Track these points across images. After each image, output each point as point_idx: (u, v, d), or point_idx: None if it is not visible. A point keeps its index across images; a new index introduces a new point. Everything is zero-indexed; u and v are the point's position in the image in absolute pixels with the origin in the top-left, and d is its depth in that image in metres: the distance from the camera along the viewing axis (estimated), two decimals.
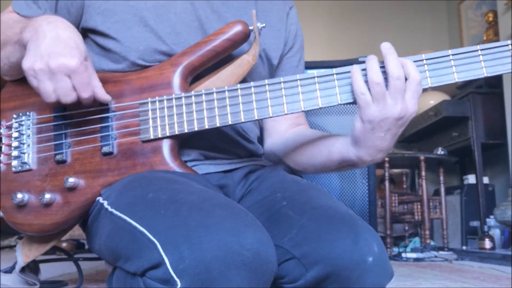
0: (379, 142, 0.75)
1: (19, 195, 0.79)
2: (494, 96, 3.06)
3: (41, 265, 1.02)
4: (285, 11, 1.01)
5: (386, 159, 2.91)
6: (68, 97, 0.73)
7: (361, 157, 0.78)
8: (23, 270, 0.93)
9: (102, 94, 0.77)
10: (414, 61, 0.74)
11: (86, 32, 0.88)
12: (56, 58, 0.71)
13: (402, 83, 0.71)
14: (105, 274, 1.69)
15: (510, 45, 0.73)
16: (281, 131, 0.99)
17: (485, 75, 0.73)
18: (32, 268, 0.97)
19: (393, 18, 4.35)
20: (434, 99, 3.31)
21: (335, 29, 4.32)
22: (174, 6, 0.87)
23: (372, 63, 0.73)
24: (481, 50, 0.73)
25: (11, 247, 2.64)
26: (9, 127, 0.85)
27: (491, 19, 3.45)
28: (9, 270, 0.97)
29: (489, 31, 3.46)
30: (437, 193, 3.27)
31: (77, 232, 2.76)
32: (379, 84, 0.71)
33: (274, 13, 0.98)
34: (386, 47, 0.73)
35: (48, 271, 1.59)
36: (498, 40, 3.18)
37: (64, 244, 2.82)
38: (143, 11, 0.85)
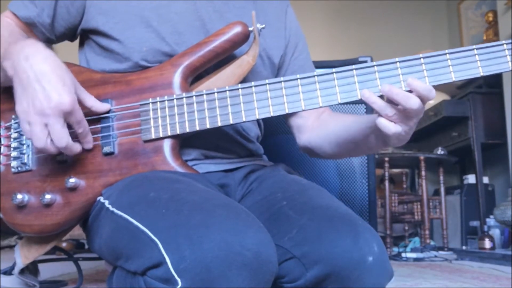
0: (406, 135, 0.76)
1: (19, 196, 0.79)
2: (494, 96, 3.06)
3: (41, 265, 1.02)
4: (283, 9, 1.02)
5: (386, 159, 2.92)
6: (62, 141, 0.73)
7: (394, 144, 0.79)
8: (22, 271, 0.92)
9: (99, 108, 0.79)
10: (412, 60, 0.74)
11: (87, 33, 0.88)
12: (49, 102, 0.70)
13: (422, 106, 0.72)
14: (105, 274, 1.69)
15: (504, 45, 0.74)
16: (309, 126, 0.99)
17: (481, 74, 0.74)
18: (31, 269, 0.96)
19: (393, 18, 4.35)
20: (434, 99, 3.31)
21: (335, 29, 4.32)
22: (176, 6, 0.87)
23: (379, 105, 0.72)
24: (476, 49, 0.74)
25: (11, 247, 2.63)
26: (8, 128, 0.85)
27: (491, 19, 3.45)
28: (9, 271, 0.97)
29: (489, 31, 3.46)
30: (437, 193, 3.27)
31: (77, 232, 2.75)
32: (395, 113, 0.72)
33: (272, 12, 0.99)
34: (385, 90, 0.72)
35: (48, 271, 1.59)
36: (498, 40, 3.19)
37: (64, 244, 2.82)
38: (145, 11, 0.85)
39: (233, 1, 0.93)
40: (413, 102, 0.70)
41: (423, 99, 0.71)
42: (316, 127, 0.98)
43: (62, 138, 0.73)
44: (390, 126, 0.73)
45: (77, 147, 0.77)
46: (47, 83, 0.71)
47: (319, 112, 1.00)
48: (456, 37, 4.19)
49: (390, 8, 4.35)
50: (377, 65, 0.75)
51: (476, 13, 3.90)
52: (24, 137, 0.83)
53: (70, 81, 0.74)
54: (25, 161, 0.82)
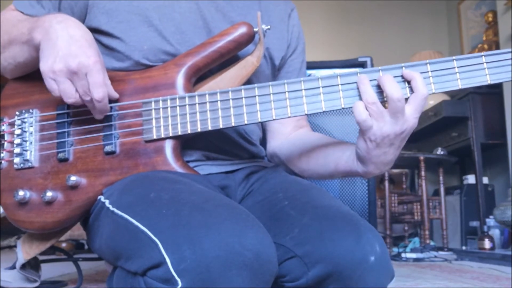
0: (384, 157, 0.76)
1: (21, 192, 0.80)
2: (493, 96, 3.06)
3: (41, 266, 1.02)
4: (287, 12, 1.01)
5: None
6: (87, 96, 0.74)
7: (368, 171, 0.79)
8: (23, 267, 0.93)
9: (112, 92, 0.79)
10: (418, 66, 0.74)
11: (91, 32, 0.88)
12: (75, 58, 0.72)
13: (403, 104, 0.71)
14: (105, 274, 1.69)
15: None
16: (285, 134, 0.99)
17: (489, 82, 0.72)
18: (32, 264, 0.97)
19: (393, 18, 4.35)
20: (433, 99, 3.31)
21: (335, 29, 4.33)
22: (179, 5, 0.86)
23: (365, 87, 0.72)
24: (485, 56, 0.73)
25: (11, 247, 2.63)
26: (12, 124, 0.85)
27: (490, 19, 3.45)
28: (11, 267, 0.98)
29: (488, 31, 3.46)
30: (436, 193, 3.27)
31: (76, 232, 2.76)
32: (375, 103, 0.71)
33: (276, 14, 0.99)
34: (380, 75, 0.73)
35: (48, 271, 1.59)
36: (497, 41, 3.21)
37: (63, 244, 2.82)
38: (148, 10, 0.85)
39: (236, 0, 0.93)
40: (391, 87, 0.70)
41: (416, 91, 0.71)
42: (293, 136, 0.98)
43: (87, 94, 0.74)
44: (363, 114, 0.72)
45: (108, 107, 0.77)
46: (76, 43, 0.73)
47: (298, 124, 1.00)
48: (456, 37, 4.19)
49: (390, 8, 4.36)
50: (382, 70, 0.74)
51: (476, 13, 3.90)
52: (27, 134, 0.84)
53: (97, 48, 0.76)
54: (28, 157, 0.82)
